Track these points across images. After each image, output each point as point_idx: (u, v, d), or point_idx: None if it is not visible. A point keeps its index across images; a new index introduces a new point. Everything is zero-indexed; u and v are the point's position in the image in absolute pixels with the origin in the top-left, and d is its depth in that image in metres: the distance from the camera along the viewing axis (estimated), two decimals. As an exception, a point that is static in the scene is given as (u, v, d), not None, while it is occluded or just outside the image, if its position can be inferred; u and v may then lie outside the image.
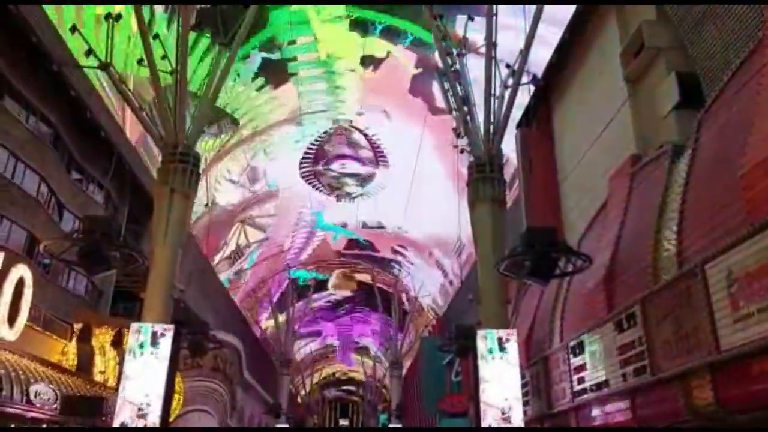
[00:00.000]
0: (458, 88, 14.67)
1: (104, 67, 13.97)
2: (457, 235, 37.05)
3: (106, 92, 23.55)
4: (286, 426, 50.42)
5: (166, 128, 13.82)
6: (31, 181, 19.26)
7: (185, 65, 14.04)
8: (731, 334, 7.01)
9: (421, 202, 42.44)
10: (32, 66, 18.26)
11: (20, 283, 16.36)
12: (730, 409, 7.31)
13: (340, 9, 30.97)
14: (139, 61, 14.29)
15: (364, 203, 45.13)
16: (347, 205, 45.67)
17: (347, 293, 63.50)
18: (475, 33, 15.93)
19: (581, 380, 11.25)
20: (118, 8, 14.89)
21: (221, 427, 31.17)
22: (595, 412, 10.89)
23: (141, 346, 11.82)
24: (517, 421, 11.54)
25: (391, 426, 53.50)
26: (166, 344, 11.94)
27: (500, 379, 11.70)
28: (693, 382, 7.86)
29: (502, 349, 11.85)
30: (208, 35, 15.18)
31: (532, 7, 14.15)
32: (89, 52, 14.34)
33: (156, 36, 14.42)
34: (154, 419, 11.45)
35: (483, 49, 14.39)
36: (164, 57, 14.24)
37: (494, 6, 14.26)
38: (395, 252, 53.25)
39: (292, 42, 32.65)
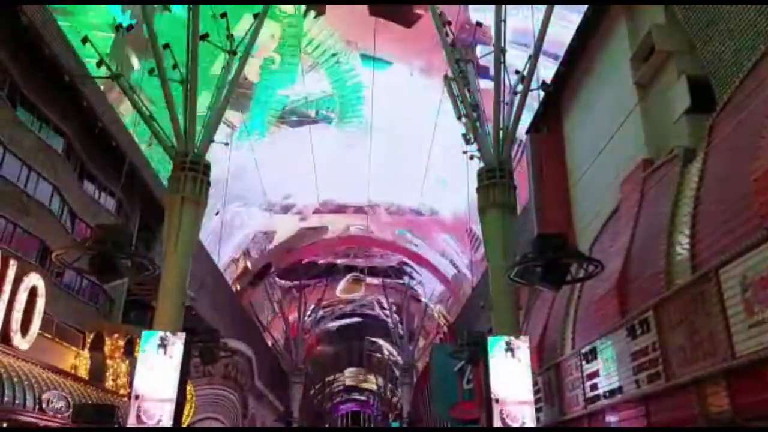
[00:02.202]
0: (467, 94, 14.65)
1: (115, 77, 14.10)
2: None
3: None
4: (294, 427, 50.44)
5: (176, 137, 13.90)
6: (43, 191, 19.41)
7: (195, 75, 14.12)
8: (746, 339, 6.93)
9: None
10: (45, 76, 18.43)
11: (33, 292, 16.47)
12: (746, 416, 7.21)
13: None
14: (150, 71, 14.39)
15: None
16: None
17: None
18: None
19: (594, 387, 11.16)
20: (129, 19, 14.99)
21: (226, 427, 31.17)
22: (609, 418, 10.79)
23: (152, 354, 11.85)
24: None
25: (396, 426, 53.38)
26: (177, 352, 11.95)
27: (512, 386, 11.61)
28: (708, 388, 7.78)
29: (513, 355, 11.77)
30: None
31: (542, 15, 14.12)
32: (100, 62, 14.48)
33: (166, 45, 14.52)
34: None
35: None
36: (174, 66, 14.33)
37: (503, 12, 14.23)
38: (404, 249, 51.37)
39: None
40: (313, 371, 67.59)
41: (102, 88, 21.82)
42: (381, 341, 68.09)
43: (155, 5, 20.51)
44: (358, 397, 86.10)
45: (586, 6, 15.14)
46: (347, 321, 67.19)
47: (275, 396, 47.27)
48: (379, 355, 73.08)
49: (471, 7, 28.61)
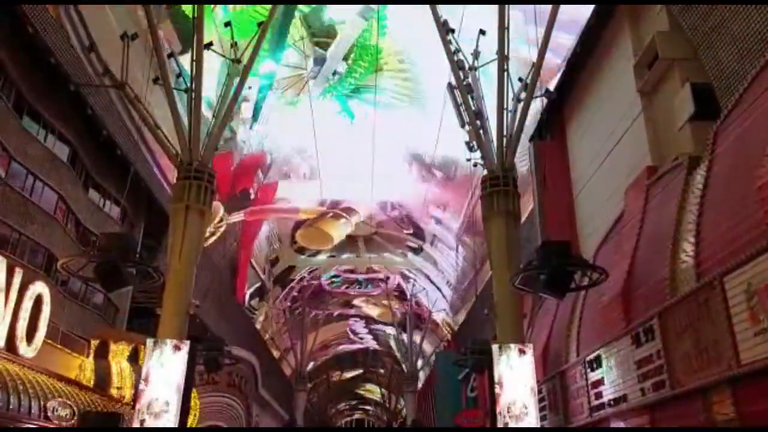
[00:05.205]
0: (471, 102, 14.67)
1: (120, 86, 14.18)
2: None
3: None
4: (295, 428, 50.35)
5: (181, 146, 13.95)
6: (48, 199, 19.49)
7: (200, 84, 14.19)
8: (752, 347, 6.90)
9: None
10: (50, 85, 18.54)
11: (38, 300, 16.53)
12: (752, 424, 7.17)
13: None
14: (155, 80, 14.46)
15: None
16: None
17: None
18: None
19: (599, 395, 11.11)
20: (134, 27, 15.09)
21: (225, 427, 31.11)
22: (614, 427, 10.74)
23: (157, 361, 11.86)
24: (535, 436, 11.40)
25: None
26: (182, 360, 11.96)
27: (516, 394, 11.57)
28: (713, 396, 7.74)
29: (518, 363, 11.74)
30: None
31: (544, 19, 14.13)
32: (105, 71, 14.57)
33: (171, 54, 14.60)
34: (170, 435, 11.45)
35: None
36: (179, 75, 14.41)
37: (506, 19, 14.25)
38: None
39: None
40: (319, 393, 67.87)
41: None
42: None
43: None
44: (362, 407, 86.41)
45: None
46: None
47: (280, 404, 47.24)
48: (382, 371, 72.84)
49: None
